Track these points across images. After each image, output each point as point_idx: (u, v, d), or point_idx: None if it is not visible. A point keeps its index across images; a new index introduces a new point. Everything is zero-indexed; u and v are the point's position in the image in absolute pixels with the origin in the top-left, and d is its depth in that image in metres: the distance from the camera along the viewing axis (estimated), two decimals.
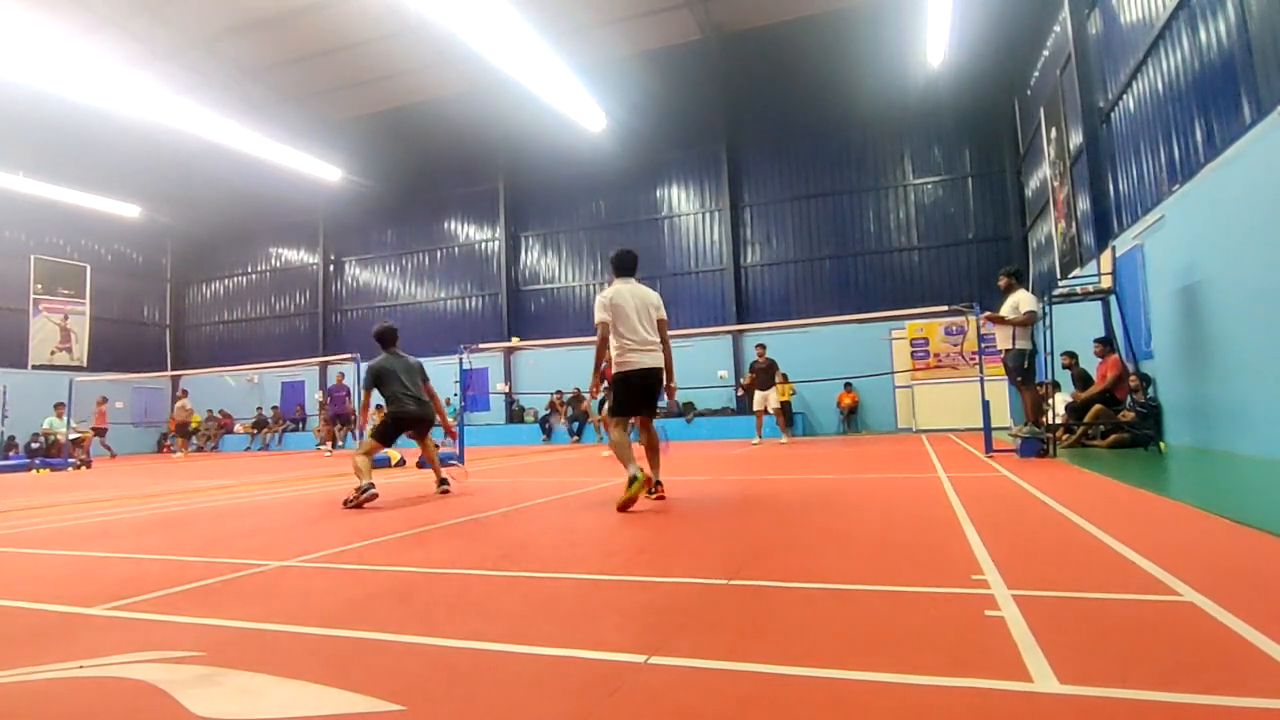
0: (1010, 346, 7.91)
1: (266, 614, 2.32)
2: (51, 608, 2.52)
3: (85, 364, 22.37)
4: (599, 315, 5.18)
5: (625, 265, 5.37)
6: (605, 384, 5.49)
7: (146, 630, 2.19)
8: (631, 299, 5.17)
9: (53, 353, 21.95)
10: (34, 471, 13.40)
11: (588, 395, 5.74)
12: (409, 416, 6.22)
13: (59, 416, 16.24)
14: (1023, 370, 7.83)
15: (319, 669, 1.76)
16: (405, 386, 6.20)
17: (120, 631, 2.19)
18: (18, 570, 3.41)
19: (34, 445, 18.25)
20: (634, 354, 5.12)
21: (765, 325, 17.46)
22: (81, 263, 22.99)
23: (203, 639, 2.06)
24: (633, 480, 4.67)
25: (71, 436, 15.66)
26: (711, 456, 10.28)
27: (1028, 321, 7.78)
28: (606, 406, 5.43)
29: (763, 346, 14.17)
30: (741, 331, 18.19)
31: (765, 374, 13.51)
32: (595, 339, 5.28)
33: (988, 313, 8.37)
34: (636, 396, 5.13)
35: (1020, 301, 7.83)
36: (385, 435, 6.15)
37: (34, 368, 21.21)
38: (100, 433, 17.83)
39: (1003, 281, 8.23)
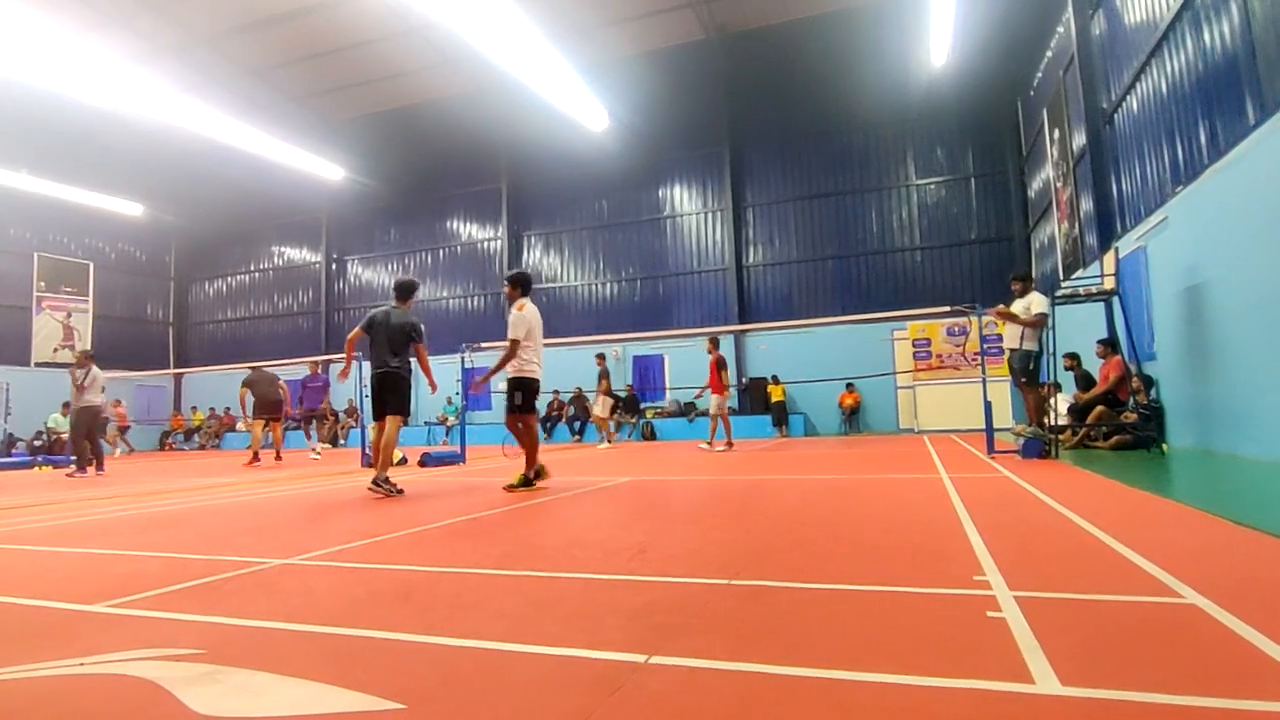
0: (1017, 347, 7.88)
1: (267, 612, 2.32)
2: (53, 605, 2.52)
3: None
4: (518, 332, 6.02)
5: (530, 285, 6.44)
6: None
7: (148, 628, 2.19)
8: (536, 318, 6.15)
9: (55, 350, 22.00)
10: (36, 469, 13.43)
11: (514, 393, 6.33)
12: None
13: (64, 415, 16.28)
14: (1028, 371, 7.82)
15: (320, 667, 1.76)
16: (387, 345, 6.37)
17: (121, 629, 2.19)
18: (19, 567, 3.41)
19: (36, 443, 18.31)
20: (534, 366, 6.16)
21: (767, 325, 17.48)
22: (85, 261, 23.06)
23: (204, 637, 2.06)
24: (539, 474, 6.12)
25: None
26: (712, 457, 10.28)
27: (1038, 323, 7.73)
28: (509, 407, 6.26)
29: (601, 357, 14.70)
30: (744, 332, 18.19)
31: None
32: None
33: (1000, 305, 8.27)
34: (534, 400, 6.18)
35: (1033, 303, 7.78)
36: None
37: (37, 365, 21.26)
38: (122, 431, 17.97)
39: (1017, 286, 8.14)
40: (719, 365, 11.69)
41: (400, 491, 5.95)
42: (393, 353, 6.25)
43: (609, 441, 14.48)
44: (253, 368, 13.73)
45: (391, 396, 6.25)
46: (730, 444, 11.91)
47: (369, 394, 6.37)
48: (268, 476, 9.19)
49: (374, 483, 5.92)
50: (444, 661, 1.80)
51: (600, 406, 14.23)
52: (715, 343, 12.07)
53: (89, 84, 14.07)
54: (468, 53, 16.10)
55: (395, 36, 17.98)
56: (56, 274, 22.24)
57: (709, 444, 11.88)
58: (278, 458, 12.96)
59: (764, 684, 1.56)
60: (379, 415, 6.30)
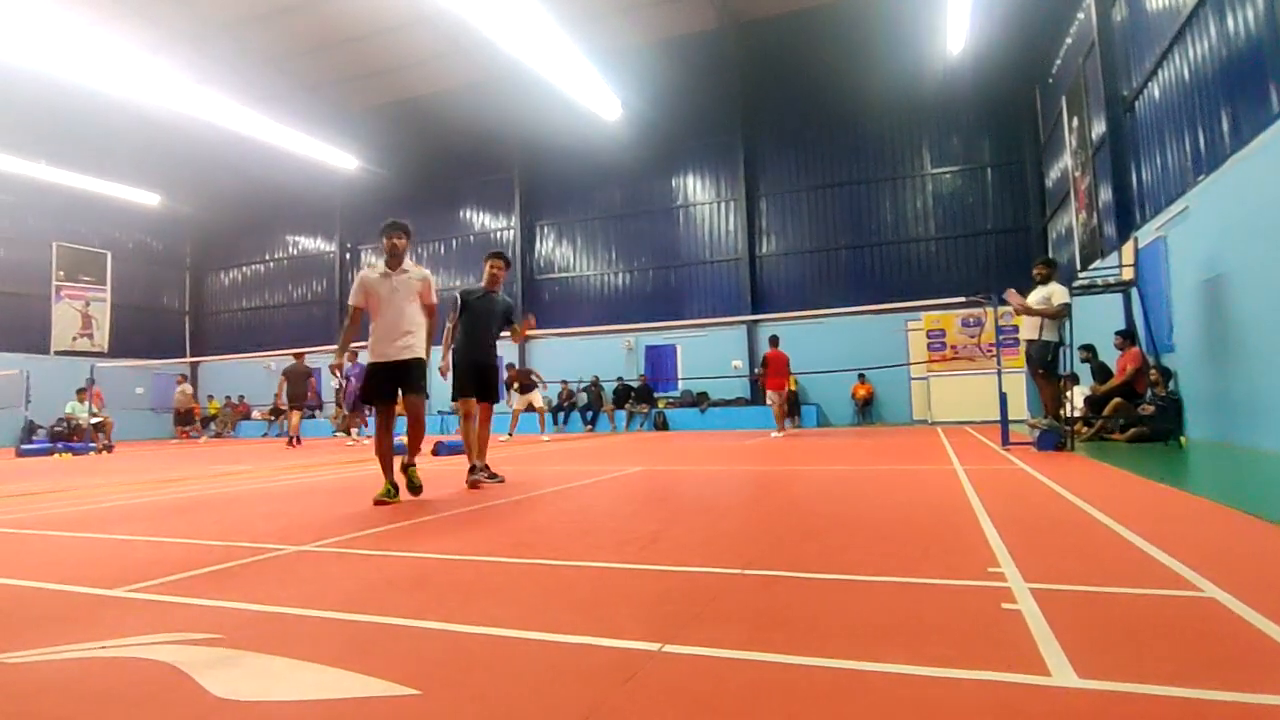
0: (1035, 338, 7.74)
1: (284, 598, 2.35)
2: (74, 589, 2.56)
3: (106, 350, 22.66)
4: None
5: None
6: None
7: (167, 612, 2.22)
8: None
9: (74, 339, 22.25)
10: (56, 455, 13.61)
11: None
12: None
13: (80, 401, 16.47)
14: (1046, 363, 7.71)
15: (336, 653, 1.78)
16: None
17: (141, 613, 2.23)
18: (41, 552, 3.46)
19: (56, 429, 18.54)
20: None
21: (780, 315, 17.41)
22: (103, 250, 23.26)
23: (222, 621, 2.08)
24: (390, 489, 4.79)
25: (93, 421, 15.87)
26: (725, 447, 10.28)
27: (1060, 314, 7.60)
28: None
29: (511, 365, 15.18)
30: (756, 322, 18.13)
31: (525, 376, 14.81)
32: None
33: (1011, 290, 8.02)
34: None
35: (1054, 293, 7.62)
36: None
37: (56, 353, 21.51)
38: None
39: (1041, 271, 7.87)
40: (785, 362, 13.06)
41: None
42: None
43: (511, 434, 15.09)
44: (296, 355, 14.94)
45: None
46: (781, 430, 13.22)
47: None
48: (284, 464, 9.28)
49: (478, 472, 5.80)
50: (459, 648, 1.81)
51: (537, 399, 14.73)
52: (776, 340, 13.23)
53: (106, 74, 14.15)
54: (480, 41, 16.04)
55: (408, 25, 17.96)
56: (75, 263, 22.45)
57: (779, 431, 13.21)
58: (291, 443, 13.90)
59: (777, 674, 1.56)
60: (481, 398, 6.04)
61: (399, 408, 5.04)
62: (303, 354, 15.06)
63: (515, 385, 14.71)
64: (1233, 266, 7.14)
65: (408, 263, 5.07)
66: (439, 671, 1.64)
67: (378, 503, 4.62)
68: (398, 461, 4.97)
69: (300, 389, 14.33)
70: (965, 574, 2.41)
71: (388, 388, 4.91)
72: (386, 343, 4.89)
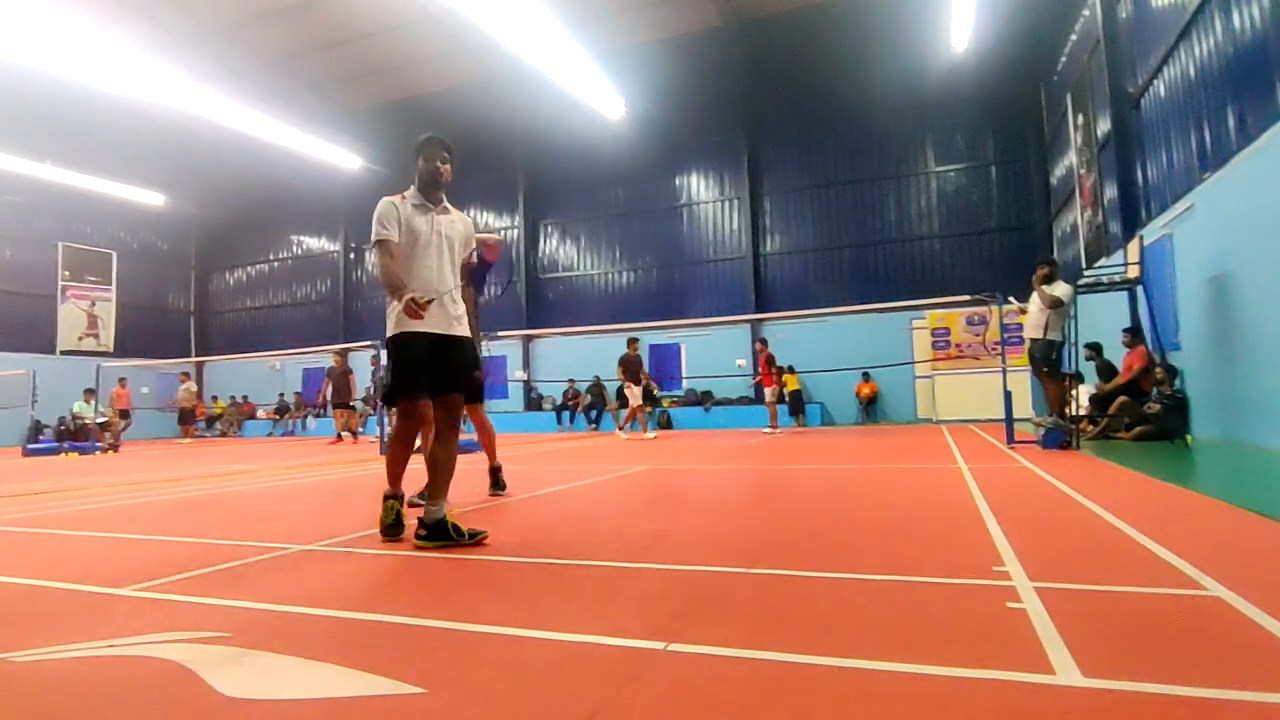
0: (1039, 337, 7.73)
1: (291, 597, 2.35)
2: (81, 588, 2.57)
3: (112, 349, 22.75)
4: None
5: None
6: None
7: (174, 611, 2.23)
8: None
9: (80, 338, 22.34)
10: (62, 455, 13.66)
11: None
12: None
13: (87, 401, 16.53)
14: (1049, 361, 7.69)
15: (342, 651, 1.78)
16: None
17: (148, 612, 2.24)
18: (49, 551, 3.48)
19: (62, 429, 18.62)
20: None
21: (783, 314, 17.39)
22: (108, 250, 23.36)
23: (229, 620, 2.09)
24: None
25: (99, 420, 15.94)
26: (729, 446, 10.27)
27: (1054, 305, 7.56)
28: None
29: (635, 340, 13.76)
30: (760, 320, 18.11)
31: (635, 368, 13.38)
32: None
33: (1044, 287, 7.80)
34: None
35: (1055, 289, 7.61)
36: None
37: (62, 353, 21.60)
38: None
39: (1045, 270, 7.79)
40: (769, 361, 13.62)
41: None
42: None
43: (644, 429, 13.89)
44: (336, 355, 15.85)
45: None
46: (774, 428, 13.61)
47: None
48: (289, 464, 9.31)
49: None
50: (464, 647, 1.82)
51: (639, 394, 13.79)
52: (764, 341, 13.90)
53: (111, 75, 14.20)
54: (484, 40, 16.05)
55: (411, 24, 17.97)
56: (80, 263, 22.54)
57: (771, 429, 13.63)
58: (338, 439, 14.99)
59: (783, 672, 1.57)
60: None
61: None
62: (342, 353, 15.95)
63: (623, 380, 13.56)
64: (1238, 264, 7.11)
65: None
66: (444, 670, 1.64)
67: (387, 535, 3.33)
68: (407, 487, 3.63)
69: (341, 387, 15.28)
70: (970, 573, 2.41)
71: (430, 375, 3.31)
72: (428, 307, 3.19)
